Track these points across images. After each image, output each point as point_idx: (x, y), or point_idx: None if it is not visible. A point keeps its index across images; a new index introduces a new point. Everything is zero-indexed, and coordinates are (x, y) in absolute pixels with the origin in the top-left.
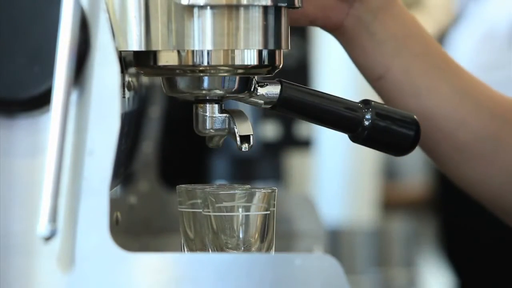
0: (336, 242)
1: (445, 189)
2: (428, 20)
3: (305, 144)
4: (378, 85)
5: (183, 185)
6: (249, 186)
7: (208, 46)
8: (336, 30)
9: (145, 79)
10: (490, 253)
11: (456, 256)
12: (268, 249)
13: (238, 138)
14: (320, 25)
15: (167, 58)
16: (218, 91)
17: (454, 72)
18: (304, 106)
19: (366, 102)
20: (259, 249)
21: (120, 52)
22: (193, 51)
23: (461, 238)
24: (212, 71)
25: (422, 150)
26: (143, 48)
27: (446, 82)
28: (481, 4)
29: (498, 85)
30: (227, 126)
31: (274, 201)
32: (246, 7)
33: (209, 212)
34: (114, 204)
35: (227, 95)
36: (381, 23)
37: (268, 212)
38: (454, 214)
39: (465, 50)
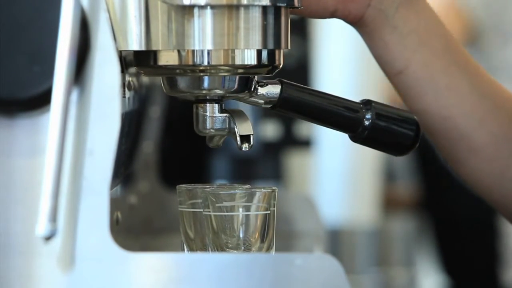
0: (336, 242)
1: (433, 190)
2: None
3: (305, 144)
4: (397, 80)
5: (183, 185)
6: (249, 186)
7: (208, 46)
8: (357, 22)
9: (145, 79)
10: (481, 253)
11: (449, 257)
12: (268, 249)
13: (238, 138)
14: (341, 17)
15: (167, 58)
16: (218, 91)
17: (474, 72)
18: (304, 106)
19: (366, 102)
20: (259, 249)
21: (120, 52)
22: (193, 51)
23: (451, 238)
24: (212, 71)
25: (437, 149)
26: (143, 48)
27: (466, 80)
28: None
29: None
30: (227, 126)
31: (274, 201)
32: (246, 7)
33: (209, 212)
34: (114, 204)
35: (227, 95)
36: (404, 17)
37: (268, 212)
38: (442, 215)
39: None
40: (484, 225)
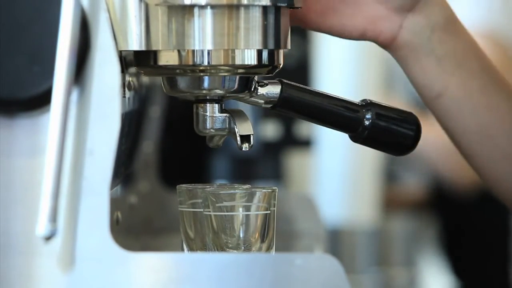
0: (336, 242)
1: (445, 190)
2: None
3: (305, 144)
4: (436, 103)
5: (183, 185)
6: (249, 185)
7: (208, 45)
8: (390, 45)
9: (145, 79)
10: (490, 253)
11: (456, 257)
12: (268, 249)
13: (238, 138)
14: (371, 38)
15: (168, 58)
16: (218, 91)
17: (510, 89)
18: (304, 106)
19: (366, 102)
20: (259, 249)
21: (120, 52)
22: (193, 51)
23: (460, 239)
24: (212, 71)
25: (474, 169)
26: (143, 48)
27: (504, 99)
28: None
29: None
30: (227, 126)
31: (275, 200)
32: (246, 7)
33: (209, 211)
34: (114, 204)
35: (228, 95)
36: (440, 39)
37: (269, 211)
38: (454, 215)
39: None
40: (495, 225)
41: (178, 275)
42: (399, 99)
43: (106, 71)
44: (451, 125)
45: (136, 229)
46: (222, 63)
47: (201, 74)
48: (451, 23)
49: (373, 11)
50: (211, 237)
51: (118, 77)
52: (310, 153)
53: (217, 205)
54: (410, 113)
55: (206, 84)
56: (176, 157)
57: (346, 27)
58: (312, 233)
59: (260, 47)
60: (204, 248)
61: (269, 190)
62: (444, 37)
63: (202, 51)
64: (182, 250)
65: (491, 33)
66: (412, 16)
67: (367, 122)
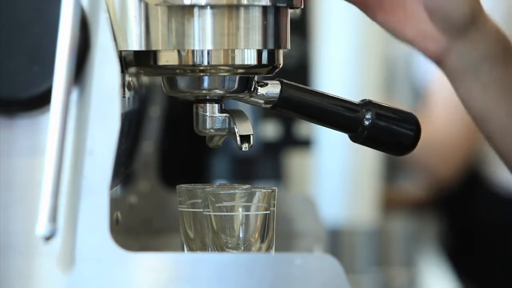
0: (336, 242)
1: (448, 190)
2: None
3: (305, 144)
4: (480, 125)
5: (183, 185)
6: (249, 186)
7: (208, 45)
8: (437, 61)
9: (145, 79)
10: (492, 254)
11: (457, 257)
12: (268, 249)
13: (238, 138)
14: (419, 49)
15: (167, 58)
16: (218, 91)
17: None
18: (304, 106)
19: (366, 102)
20: (259, 249)
21: (120, 52)
22: (193, 51)
23: (462, 238)
24: (212, 71)
25: None
26: (143, 48)
27: None
28: None
29: None
30: (227, 126)
31: (274, 201)
32: (246, 7)
33: (209, 211)
34: (114, 204)
35: (227, 95)
36: (488, 68)
37: (268, 212)
38: (456, 215)
39: None
40: (498, 223)
41: (178, 275)
42: (399, 99)
43: (106, 71)
44: (496, 145)
45: (136, 229)
46: (222, 63)
47: (201, 74)
48: (503, 52)
49: (423, 26)
50: (210, 237)
51: (118, 77)
52: (310, 153)
53: (216, 205)
54: (410, 113)
55: (206, 84)
56: (176, 157)
57: (397, 31)
58: (312, 233)
59: (260, 47)
60: (204, 248)
61: (269, 190)
62: (493, 67)
63: (202, 51)
64: (182, 250)
65: None
66: (462, 41)
67: (367, 122)
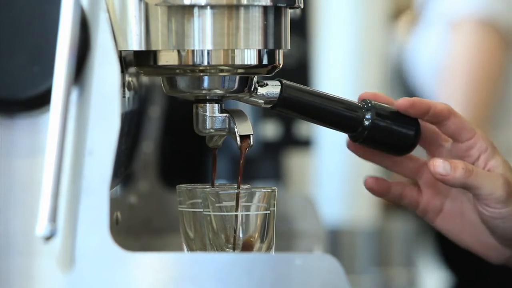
0: (336, 242)
1: None
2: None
3: (305, 144)
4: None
5: (183, 185)
6: (249, 186)
7: (208, 45)
8: (494, 262)
9: (145, 79)
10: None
11: (453, 257)
12: (268, 249)
13: (238, 138)
14: (480, 255)
15: (167, 58)
16: (218, 91)
17: None
18: (304, 106)
19: (366, 102)
20: (259, 249)
21: (120, 52)
22: (193, 51)
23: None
24: (212, 71)
25: None
26: (143, 48)
27: None
28: None
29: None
30: (227, 126)
31: (274, 200)
32: (246, 7)
33: (209, 212)
34: (114, 204)
35: (227, 94)
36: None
37: (268, 212)
38: None
39: (428, 46)
40: None
41: (178, 275)
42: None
43: (106, 71)
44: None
45: (136, 229)
46: (222, 63)
47: (201, 74)
48: None
49: (483, 236)
50: (211, 237)
51: (118, 77)
52: (310, 153)
53: (216, 205)
54: None
55: (206, 84)
56: (176, 157)
57: (456, 237)
58: (311, 233)
59: (260, 47)
60: (203, 248)
61: (269, 190)
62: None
63: (202, 51)
64: (182, 250)
65: (490, 20)
66: None
67: (367, 122)
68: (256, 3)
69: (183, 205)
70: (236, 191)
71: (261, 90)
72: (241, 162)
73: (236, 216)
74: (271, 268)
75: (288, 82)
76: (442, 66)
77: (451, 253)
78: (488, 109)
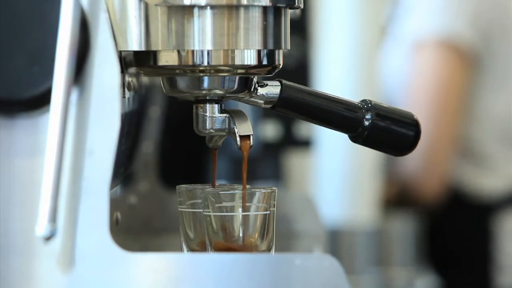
0: (336, 242)
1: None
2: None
3: (305, 144)
4: None
5: (183, 185)
6: (249, 186)
7: (208, 46)
8: None
9: (145, 79)
10: (475, 256)
11: (438, 256)
12: (268, 249)
13: (238, 138)
14: None
15: (167, 58)
16: (218, 91)
17: None
18: (304, 106)
19: (366, 102)
20: (259, 249)
21: (120, 52)
22: (193, 51)
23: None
24: (212, 71)
25: None
26: (143, 48)
27: None
28: (406, 16)
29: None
30: (227, 126)
31: (274, 201)
32: (246, 7)
33: (209, 212)
34: (114, 204)
35: (227, 95)
36: None
37: (268, 212)
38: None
39: (394, 63)
40: (478, 228)
41: (178, 275)
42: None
43: (106, 71)
44: None
45: (136, 229)
46: (222, 63)
47: (201, 74)
48: None
49: None
50: (210, 237)
51: (118, 77)
52: (310, 153)
53: (216, 205)
54: (409, 113)
55: (205, 84)
56: (176, 157)
57: None
58: (311, 233)
59: (259, 47)
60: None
61: (269, 191)
62: None
63: (202, 51)
64: (182, 250)
65: (451, 41)
66: None
67: (366, 123)
68: (256, 3)
69: (183, 205)
70: (236, 191)
71: (261, 90)
72: (244, 163)
73: (243, 216)
74: (271, 268)
75: (288, 82)
76: (407, 85)
77: (439, 256)
78: (453, 128)
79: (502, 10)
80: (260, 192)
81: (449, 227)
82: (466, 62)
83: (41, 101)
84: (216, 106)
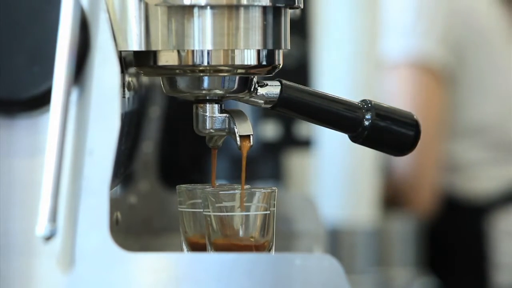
0: (336, 242)
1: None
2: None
3: (305, 144)
4: None
5: (183, 185)
6: (249, 186)
7: (208, 46)
8: None
9: (145, 79)
10: (470, 255)
11: (438, 261)
12: (268, 249)
13: (238, 138)
14: None
15: (167, 58)
16: (218, 91)
17: None
18: (304, 106)
19: (366, 102)
20: (259, 249)
21: (120, 52)
22: (193, 51)
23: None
24: (212, 71)
25: None
26: (143, 48)
27: None
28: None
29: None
30: (227, 126)
31: (274, 201)
32: (246, 7)
33: (209, 212)
34: (114, 204)
35: (227, 95)
36: None
37: (268, 212)
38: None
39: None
40: (472, 229)
41: (178, 275)
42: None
43: (106, 71)
44: None
45: (136, 229)
46: (222, 63)
47: (201, 74)
48: None
49: None
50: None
51: (118, 77)
52: (310, 153)
53: (216, 205)
54: (409, 113)
55: (205, 84)
56: (176, 157)
57: None
58: (311, 233)
59: (259, 47)
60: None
61: (269, 190)
62: None
63: (202, 51)
64: (182, 250)
65: (423, 61)
66: None
67: (366, 123)
68: (256, 3)
69: (183, 205)
70: (236, 191)
71: (261, 90)
72: (243, 163)
73: (243, 215)
74: (271, 268)
75: (288, 82)
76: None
77: (436, 257)
78: (436, 147)
79: (474, 22)
80: (260, 192)
81: (443, 229)
82: (440, 80)
83: (41, 101)
84: (216, 106)
